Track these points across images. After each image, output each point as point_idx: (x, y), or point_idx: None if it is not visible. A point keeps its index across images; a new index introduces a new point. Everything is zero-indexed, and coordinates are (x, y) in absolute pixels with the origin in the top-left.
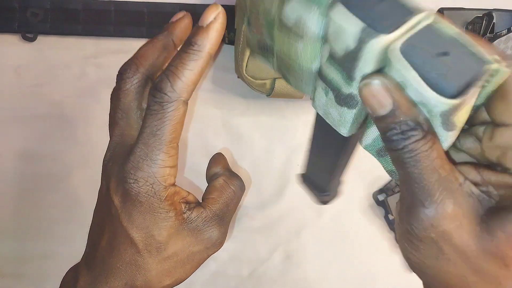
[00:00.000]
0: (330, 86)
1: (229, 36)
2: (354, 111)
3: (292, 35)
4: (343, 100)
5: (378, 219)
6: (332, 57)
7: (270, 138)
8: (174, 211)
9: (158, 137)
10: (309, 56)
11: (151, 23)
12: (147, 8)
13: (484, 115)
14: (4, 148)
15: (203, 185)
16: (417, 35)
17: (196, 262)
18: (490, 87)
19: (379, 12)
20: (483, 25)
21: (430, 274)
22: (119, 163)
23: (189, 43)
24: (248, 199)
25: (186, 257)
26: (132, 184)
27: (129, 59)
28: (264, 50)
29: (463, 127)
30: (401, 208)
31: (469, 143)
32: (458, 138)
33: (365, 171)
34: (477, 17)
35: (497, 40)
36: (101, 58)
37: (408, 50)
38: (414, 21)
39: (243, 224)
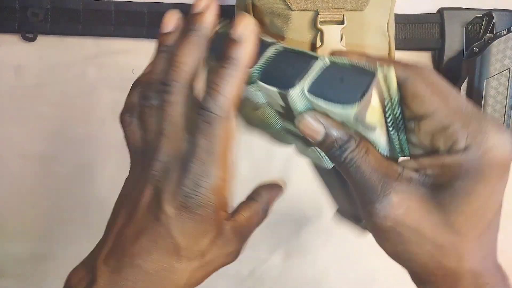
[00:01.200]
0: (295, 134)
1: None
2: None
3: (253, 107)
4: (305, 141)
5: None
6: (279, 115)
7: None
8: (219, 223)
9: (211, 154)
10: (271, 118)
11: (151, 23)
12: (147, 8)
13: (409, 113)
14: (4, 148)
15: None
16: (318, 77)
17: (212, 272)
18: (393, 87)
19: (288, 73)
20: (483, 25)
21: (406, 259)
22: (173, 177)
23: (226, 58)
24: None
25: (212, 265)
26: (191, 199)
27: (171, 70)
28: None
29: (403, 127)
30: (361, 211)
31: (414, 139)
32: (410, 139)
33: None
34: (477, 17)
35: (496, 40)
36: (102, 58)
37: (315, 88)
38: (314, 67)
39: None
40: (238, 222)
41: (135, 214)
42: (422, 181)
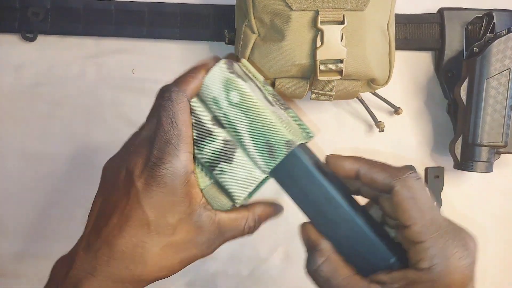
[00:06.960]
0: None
1: (229, 36)
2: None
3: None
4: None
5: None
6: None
7: None
8: (189, 199)
9: (173, 127)
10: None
11: (152, 23)
12: (147, 7)
13: (392, 221)
14: (4, 148)
15: None
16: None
17: (185, 260)
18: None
19: None
20: (483, 25)
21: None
22: (142, 154)
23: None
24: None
25: (184, 249)
26: (159, 167)
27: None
28: None
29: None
30: None
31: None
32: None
33: None
34: (477, 17)
35: (497, 40)
36: (102, 58)
37: None
38: None
39: None
40: (219, 216)
41: (110, 197)
42: None
